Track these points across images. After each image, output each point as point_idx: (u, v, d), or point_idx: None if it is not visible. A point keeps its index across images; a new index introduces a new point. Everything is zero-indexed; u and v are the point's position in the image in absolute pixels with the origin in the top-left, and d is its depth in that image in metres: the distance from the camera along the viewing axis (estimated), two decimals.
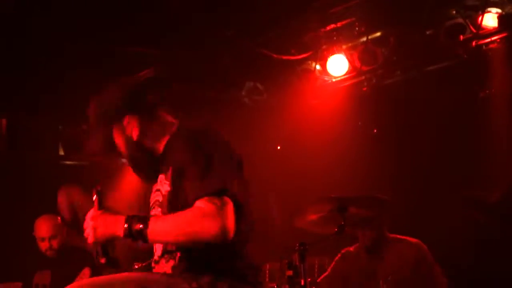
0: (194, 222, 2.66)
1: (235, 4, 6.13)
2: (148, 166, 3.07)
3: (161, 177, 2.98)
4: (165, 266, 2.90)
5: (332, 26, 6.65)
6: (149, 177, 3.10)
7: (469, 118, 6.51)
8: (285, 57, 6.89)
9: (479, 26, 6.19)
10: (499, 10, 6.13)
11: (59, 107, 7.25)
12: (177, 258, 2.87)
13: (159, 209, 2.95)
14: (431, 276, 5.09)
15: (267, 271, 6.00)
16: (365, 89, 6.99)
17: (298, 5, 6.37)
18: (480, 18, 6.16)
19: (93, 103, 3.11)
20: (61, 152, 8.00)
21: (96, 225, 2.80)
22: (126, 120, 3.02)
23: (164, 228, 2.73)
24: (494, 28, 6.18)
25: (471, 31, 6.26)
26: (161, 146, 3.04)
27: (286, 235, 5.17)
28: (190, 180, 2.75)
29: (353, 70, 6.87)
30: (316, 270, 5.41)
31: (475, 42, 6.30)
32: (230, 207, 2.68)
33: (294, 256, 4.55)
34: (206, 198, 2.66)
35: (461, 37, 6.34)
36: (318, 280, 5.05)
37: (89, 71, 6.40)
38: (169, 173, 2.90)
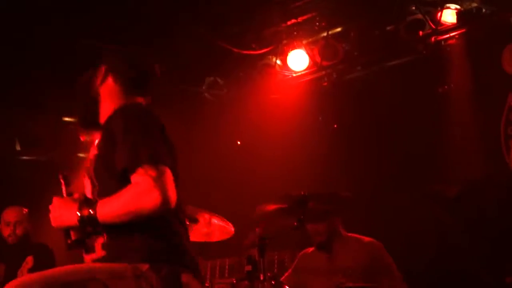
0: (133, 201, 2.70)
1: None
2: (85, 114, 3.15)
3: (93, 145, 3.02)
4: (98, 242, 2.91)
5: (293, 21, 6.69)
6: (81, 125, 3.20)
7: (428, 113, 6.55)
8: (245, 52, 6.90)
9: (438, 22, 6.27)
10: (458, 6, 6.21)
11: (16, 102, 7.16)
12: (105, 237, 2.89)
13: (86, 175, 2.98)
14: (385, 273, 5.10)
15: (227, 266, 6.02)
16: (325, 84, 7.03)
17: (259, 0, 6.40)
18: (439, 14, 6.24)
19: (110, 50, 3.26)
20: (18, 148, 7.89)
21: (54, 215, 2.88)
22: (104, 67, 3.13)
23: (110, 210, 2.77)
24: (453, 24, 6.28)
25: (431, 27, 6.34)
26: (105, 116, 3.05)
27: (246, 230, 5.15)
28: (119, 146, 2.79)
29: (314, 65, 6.90)
30: (275, 265, 5.41)
31: (434, 38, 6.39)
32: (167, 175, 2.72)
33: (254, 251, 4.56)
34: (140, 170, 2.69)
35: (421, 32, 6.42)
36: (281, 278, 5.04)
37: (46, 66, 6.36)
38: (99, 138, 2.96)
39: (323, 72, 6.96)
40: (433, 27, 6.31)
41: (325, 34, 6.72)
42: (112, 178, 2.82)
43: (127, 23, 6.18)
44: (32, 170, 7.85)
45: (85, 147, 8.34)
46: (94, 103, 3.12)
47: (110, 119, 2.97)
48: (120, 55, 3.21)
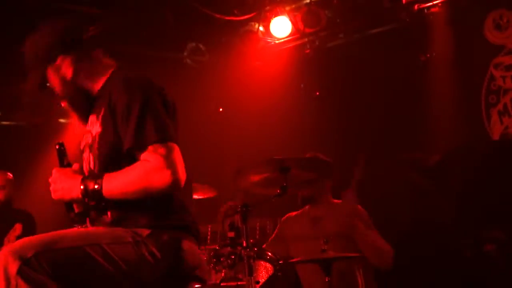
0: (143, 178, 2.67)
1: None
2: (84, 106, 3.03)
3: (92, 118, 2.94)
4: (102, 218, 2.88)
5: None
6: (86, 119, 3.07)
7: (410, 81, 6.59)
8: (227, 18, 6.84)
9: None
10: None
11: None
12: (109, 214, 2.85)
13: (89, 151, 2.92)
14: (366, 237, 5.14)
15: (209, 233, 6.02)
16: (308, 51, 7.02)
17: None
18: None
19: (27, 43, 3.05)
20: None
21: (56, 188, 2.83)
22: (59, 60, 2.97)
23: (118, 185, 2.73)
24: None
25: None
26: (97, 86, 2.99)
27: (229, 196, 5.17)
28: (126, 123, 2.73)
29: (296, 32, 6.89)
30: (257, 231, 5.44)
31: (417, 6, 6.38)
32: (176, 153, 2.69)
33: (236, 218, 4.57)
34: (150, 147, 2.66)
35: (404, 0, 6.40)
36: (263, 245, 5.07)
37: (25, 28, 6.25)
38: (101, 113, 2.86)
39: (306, 39, 6.96)
40: None
41: (308, 0, 6.70)
42: (118, 157, 2.78)
43: None
44: (13, 135, 7.79)
45: (66, 112, 8.34)
46: (80, 96, 3.02)
47: (108, 92, 2.88)
48: (60, 36, 2.99)
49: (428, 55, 6.54)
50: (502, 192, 5.83)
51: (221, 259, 4.53)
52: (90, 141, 2.92)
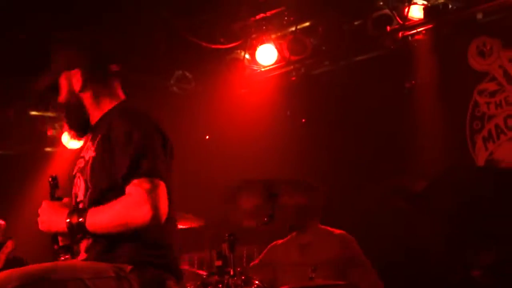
0: (125, 213, 2.69)
1: None
2: (79, 124, 3.06)
3: (88, 144, 2.97)
4: (82, 245, 2.89)
5: (262, 15, 6.68)
6: (78, 135, 3.10)
7: (395, 108, 6.61)
8: (214, 46, 6.86)
9: (405, 18, 6.33)
10: (425, 2, 6.28)
11: None
12: (90, 239, 2.85)
13: (80, 175, 2.93)
14: (357, 266, 5.10)
15: (196, 261, 5.99)
16: (293, 78, 7.06)
17: None
18: (406, 10, 6.30)
19: (58, 43, 3.15)
20: None
21: (43, 219, 2.86)
22: (76, 71, 3.00)
23: (100, 220, 2.74)
24: (420, 19, 6.34)
25: (398, 22, 6.40)
26: (99, 115, 3.01)
27: (216, 224, 5.14)
28: (120, 153, 2.75)
29: (282, 60, 6.92)
30: (244, 259, 5.40)
31: (402, 33, 6.43)
32: (161, 189, 2.69)
33: (224, 246, 4.53)
34: (135, 181, 2.67)
35: (388, 28, 6.45)
36: (250, 273, 5.02)
37: (12, 59, 6.27)
38: (97, 139, 2.88)
39: (292, 67, 6.99)
40: (401, 22, 6.37)
41: (293, 28, 6.74)
42: (109, 184, 2.79)
43: (95, 15, 6.06)
44: (1, 164, 7.75)
45: (52, 141, 8.33)
46: (79, 109, 3.03)
47: (108, 121, 2.90)
48: (89, 52, 3.07)
49: (413, 82, 6.58)
50: (487, 217, 5.84)
51: (208, 287, 4.49)
52: (82, 165, 2.94)
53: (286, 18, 6.70)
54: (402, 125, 6.51)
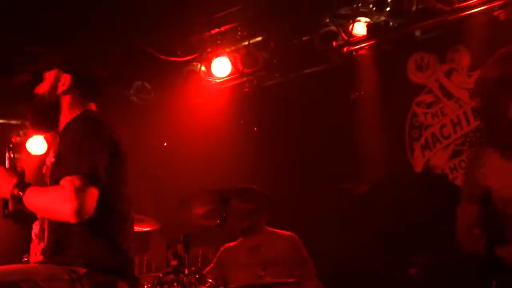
0: (53, 201, 2.76)
1: (126, 7, 6.12)
2: (45, 118, 3.16)
3: (51, 151, 3.06)
4: (37, 247, 2.95)
5: (216, 30, 6.72)
6: (38, 128, 3.21)
7: (341, 117, 6.65)
8: (171, 59, 6.90)
9: (350, 34, 6.36)
10: (367, 20, 6.31)
11: None
12: (45, 241, 2.91)
13: (46, 181, 3.02)
14: (301, 266, 5.27)
15: (153, 261, 6.03)
16: (246, 90, 7.06)
17: (185, 9, 6.40)
18: (351, 27, 6.33)
19: (61, 47, 3.35)
20: None
21: None
22: (66, 74, 3.12)
23: (34, 200, 2.82)
24: (363, 36, 6.38)
25: (343, 38, 6.43)
26: (66, 120, 3.09)
27: (172, 227, 5.20)
28: (66, 154, 2.84)
29: (236, 72, 6.91)
30: (199, 259, 5.50)
31: (347, 48, 6.46)
32: (91, 190, 2.74)
33: (179, 247, 4.64)
34: (70, 178, 2.73)
35: (334, 43, 6.50)
36: (204, 271, 5.06)
37: None
38: (56, 146, 2.99)
39: (245, 79, 6.98)
40: (345, 38, 6.40)
41: (246, 43, 6.77)
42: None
43: (56, 27, 6.11)
44: None
45: (16, 148, 8.23)
46: (53, 110, 3.13)
47: (67, 127, 3.02)
48: (85, 64, 3.20)
49: (357, 94, 6.62)
50: (425, 220, 5.90)
51: (165, 286, 4.57)
52: (44, 170, 3.04)
53: (239, 33, 6.73)
54: (347, 133, 6.55)
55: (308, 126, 6.85)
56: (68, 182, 2.72)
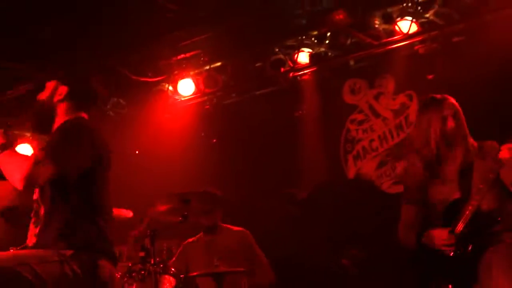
0: (14, 166, 2.74)
1: (107, 35, 6.09)
2: (40, 120, 3.16)
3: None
4: (35, 230, 2.92)
5: (182, 55, 6.71)
6: (35, 129, 3.21)
7: (287, 131, 6.68)
8: (143, 79, 6.86)
9: (295, 62, 6.40)
10: (310, 50, 6.35)
11: None
12: (42, 224, 2.88)
13: None
14: (252, 257, 5.27)
15: (125, 253, 5.96)
16: (207, 107, 7.00)
17: (156, 38, 6.39)
18: (296, 55, 6.36)
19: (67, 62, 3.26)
20: None
21: None
22: (63, 86, 3.12)
23: (4, 160, 2.79)
24: (306, 63, 6.41)
25: (289, 65, 6.47)
26: (56, 127, 3.09)
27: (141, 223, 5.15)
28: (45, 149, 2.84)
29: (198, 92, 6.87)
30: (164, 251, 5.46)
31: (292, 74, 6.49)
32: (46, 170, 2.73)
33: (146, 240, 4.62)
34: (40, 153, 2.76)
35: (282, 69, 6.54)
36: (168, 262, 5.01)
37: None
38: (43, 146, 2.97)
39: (206, 98, 6.94)
40: (291, 65, 6.44)
41: (208, 67, 6.75)
42: (54, 180, 2.83)
43: (37, 48, 6.01)
44: None
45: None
46: (50, 114, 3.12)
47: (57, 129, 3.01)
48: (80, 80, 3.18)
49: (300, 112, 6.68)
50: (357, 220, 5.99)
51: (133, 274, 4.55)
52: None
53: (202, 58, 6.71)
54: (291, 145, 6.56)
55: (259, 139, 6.84)
56: (33, 156, 2.76)
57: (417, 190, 3.57)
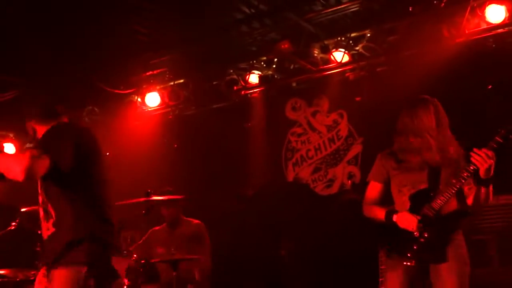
0: (13, 161, 2.65)
1: (84, 53, 6.01)
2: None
3: None
4: (48, 224, 2.84)
5: (150, 72, 6.66)
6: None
7: (237, 140, 6.69)
8: (116, 91, 6.77)
9: (246, 81, 6.43)
10: (259, 72, 6.38)
11: None
12: (53, 218, 2.81)
13: None
14: (203, 247, 5.24)
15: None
16: (170, 117, 6.96)
17: (128, 56, 6.34)
18: (247, 76, 6.39)
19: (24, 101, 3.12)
20: None
21: None
22: (32, 123, 2.99)
23: (1, 160, 2.70)
24: (256, 83, 6.44)
25: (241, 84, 6.49)
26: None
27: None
28: (37, 148, 2.74)
29: (163, 104, 6.81)
30: (129, 240, 5.41)
31: (244, 92, 6.52)
32: (44, 159, 2.64)
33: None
34: (31, 150, 2.66)
35: (235, 87, 6.55)
36: (131, 248, 4.98)
37: None
38: None
39: (169, 109, 6.88)
40: (243, 84, 6.45)
41: (172, 83, 6.71)
42: (48, 174, 2.74)
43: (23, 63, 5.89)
44: None
45: None
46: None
47: (44, 134, 2.91)
48: (32, 106, 3.02)
49: (249, 124, 6.72)
50: (293, 215, 6.04)
51: None
52: None
53: (167, 75, 6.66)
54: (241, 152, 6.59)
55: (213, 145, 6.82)
56: (28, 151, 2.64)
57: (384, 173, 3.40)
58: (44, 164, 2.63)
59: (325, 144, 6.44)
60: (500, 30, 5.09)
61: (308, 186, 6.40)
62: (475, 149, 3.08)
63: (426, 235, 3.17)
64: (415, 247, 3.18)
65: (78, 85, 6.64)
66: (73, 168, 2.74)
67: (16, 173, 2.58)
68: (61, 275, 2.68)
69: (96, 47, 5.96)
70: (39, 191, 2.91)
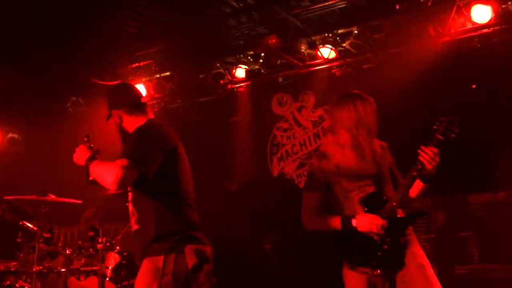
0: (105, 171, 2.74)
1: (72, 44, 5.98)
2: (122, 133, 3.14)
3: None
4: (135, 225, 2.90)
5: (136, 64, 6.64)
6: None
7: (223, 134, 6.70)
8: (102, 82, 6.71)
9: (233, 75, 6.43)
10: (246, 67, 6.39)
11: None
12: (135, 216, 2.88)
13: None
14: None
15: (76, 232, 5.84)
16: (156, 109, 6.89)
17: (114, 49, 6.31)
18: (234, 70, 6.39)
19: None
20: None
21: (76, 154, 2.94)
22: (117, 113, 3.10)
23: (94, 169, 2.81)
24: (242, 78, 6.45)
25: (228, 78, 6.48)
26: (132, 129, 3.03)
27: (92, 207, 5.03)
28: (125, 146, 2.85)
29: (149, 96, 6.74)
30: (111, 233, 5.37)
31: (230, 86, 6.52)
32: (131, 171, 2.71)
33: (95, 222, 4.53)
34: (121, 159, 2.71)
35: (221, 81, 6.54)
36: (114, 241, 5.00)
37: None
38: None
39: (155, 101, 6.84)
40: (230, 78, 6.46)
41: (158, 75, 6.68)
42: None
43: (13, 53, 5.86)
44: None
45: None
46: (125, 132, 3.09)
47: (131, 134, 2.98)
48: (120, 97, 3.11)
49: (235, 118, 6.72)
50: (278, 210, 5.98)
51: (82, 251, 4.49)
52: None
53: (153, 68, 6.63)
54: (227, 146, 6.57)
55: (199, 139, 6.69)
56: (119, 161, 2.70)
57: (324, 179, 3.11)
58: (133, 175, 2.72)
59: (310, 139, 6.46)
60: (485, 30, 5.14)
61: (293, 181, 6.42)
62: (422, 147, 2.95)
63: (388, 240, 2.94)
64: (379, 254, 2.95)
65: (63, 78, 6.61)
66: (156, 171, 2.82)
67: (109, 183, 2.69)
68: (144, 265, 2.80)
69: (83, 38, 5.92)
70: (129, 188, 2.97)
